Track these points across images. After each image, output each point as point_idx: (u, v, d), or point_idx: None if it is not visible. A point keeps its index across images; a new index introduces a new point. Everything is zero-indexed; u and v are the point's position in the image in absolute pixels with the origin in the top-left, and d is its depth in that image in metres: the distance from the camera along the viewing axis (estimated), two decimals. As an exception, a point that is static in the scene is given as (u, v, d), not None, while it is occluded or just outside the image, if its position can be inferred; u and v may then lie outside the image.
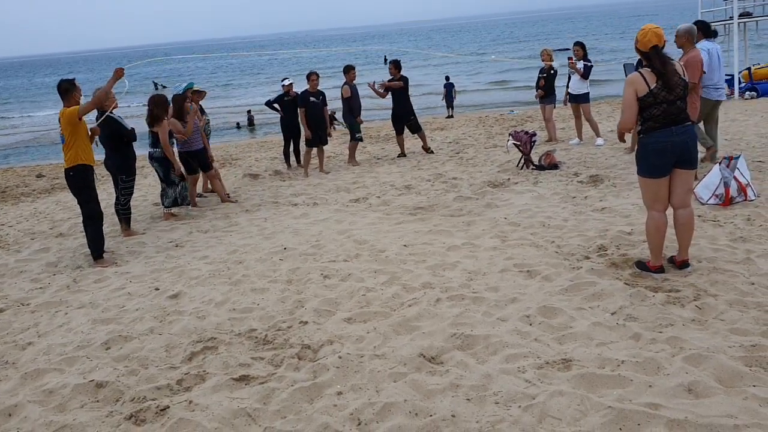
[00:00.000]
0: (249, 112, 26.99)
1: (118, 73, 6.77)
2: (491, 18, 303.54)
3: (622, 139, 5.33)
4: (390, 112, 12.29)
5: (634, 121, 4.75)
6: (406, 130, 12.19)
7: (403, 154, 12.35)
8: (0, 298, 5.95)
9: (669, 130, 4.69)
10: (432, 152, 12.23)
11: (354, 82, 11.64)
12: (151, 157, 8.40)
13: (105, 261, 6.82)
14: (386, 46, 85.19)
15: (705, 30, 8.32)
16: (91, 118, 7.12)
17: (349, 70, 11.55)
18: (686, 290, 4.61)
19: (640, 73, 4.71)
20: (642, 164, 4.87)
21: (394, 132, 12.56)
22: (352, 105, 11.61)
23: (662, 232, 4.92)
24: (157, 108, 8.25)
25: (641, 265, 5.07)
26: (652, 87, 4.63)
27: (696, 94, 7.25)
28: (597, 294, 4.70)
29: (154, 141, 8.32)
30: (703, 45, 8.08)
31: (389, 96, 12.00)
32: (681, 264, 5.01)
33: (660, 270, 4.95)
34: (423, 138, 12.36)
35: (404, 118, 12.05)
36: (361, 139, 11.95)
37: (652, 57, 4.70)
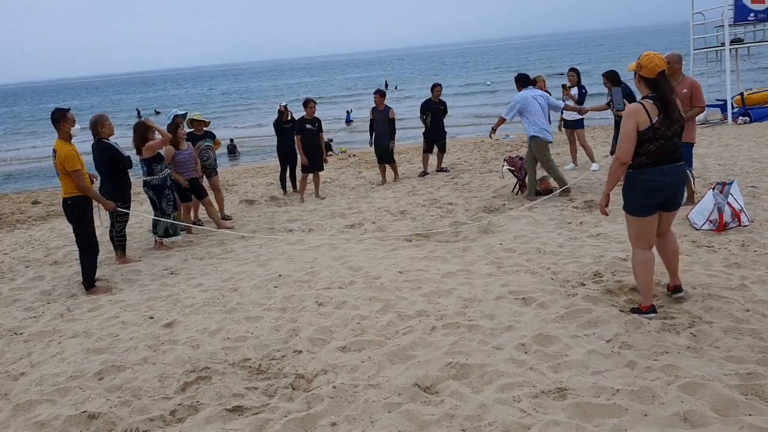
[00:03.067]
0: (231, 140, 26.98)
1: (109, 206, 7.27)
2: (485, 45, 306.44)
3: (605, 204, 4.81)
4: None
5: (632, 153, 4.45)
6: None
7: (425, 173, 12.89)
8: (-7, 328, 5.92)
9: (660, 168, 4.46)
10: (447, 170, 13.00)
11: (382, 106, 12.18)
12: (148, 185, 8.40)
13: (97, 289, 6.80)
14: (388, 72, 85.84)
15: (525, 81, 9.55)
16: (86, 149, 7.13)
17: (374, 94, 12.36)
18: (681, 317, 4.60)
19: (642, 104, 4.44)
20: (628, 201, 4.65)
21: (424, 148, 13.02)
22: (373, 128, 12.28)
23: (650, 269, 4.68)
24: (135, 135, 8.35)
25: (636, 310, 4.76)
26: (653, 121, 4.38)
27: (692, 119, 7.37)
28: (592, 321, 4.70)
29: (150, 170, 8.33)
30: (530, 92, 9.32)
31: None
32: (673, 289, 4.88)
33: (651, 310, 4.67)
34: (441, 158, 13.19)
35: (439, 137, 12.81)
36: (379, 161, 12.49)
37: (660, 83, 4.43)
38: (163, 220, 8.33)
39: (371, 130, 12.36)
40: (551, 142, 9.37)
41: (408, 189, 11.37)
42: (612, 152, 9.39)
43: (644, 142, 4.41)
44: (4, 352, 5.27)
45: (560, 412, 3.52)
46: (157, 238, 8.54)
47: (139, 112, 53.61)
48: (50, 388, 4.45)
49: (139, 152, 8.32)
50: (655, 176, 4.46)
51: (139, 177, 8.73)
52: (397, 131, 12.52)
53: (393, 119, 12.21)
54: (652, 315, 4.66)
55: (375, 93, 12.37)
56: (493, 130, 9.94)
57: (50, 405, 4.21)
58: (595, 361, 4.09)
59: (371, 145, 12.57)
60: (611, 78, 9.58)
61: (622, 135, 4.47)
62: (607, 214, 4.85)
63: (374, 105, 12.25)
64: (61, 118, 6.75)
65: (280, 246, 8.00)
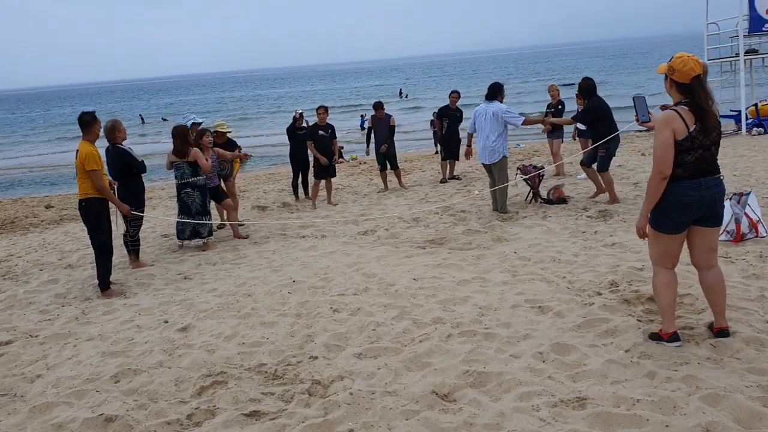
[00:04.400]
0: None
1: (125, 209, 7.30)
2: (495, 53, 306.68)
3: (644, 226, 4.26)
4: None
5: (672, 164, 4.02)
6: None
7: (444, 180, 12.93)
8: (9, 330, 5.93)
9: (698, 182, 4.06)
10: (459, 178, 13.04)
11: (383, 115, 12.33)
12: (194, 186, 8.48)
13: (112, 292, 6.83)
14: (401, 82, 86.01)
15: (490, 92, 9.35)
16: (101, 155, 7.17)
17: (375, 106, 12.47)
18: (701, 328, 4.55)
19: (676, 111, 4.04)
20: (657, 216, 4.18)
21: (441, 156, 13.26)
22: (370, 137, 12.55)
23: (673, 290, 4.32)
24: (176, 139, 8.44)
25: (655, 337, 4.40)
26: (691, 129, 3.98)
27: None
28: (610, 331, 4.66)
29: (193, 170, 8.41)
30: (484, 107, 9.21)
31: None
32: (719, 332, 4.35)
33: (675, 338, 4.28)
34: (453, 165, 13.21)
35: (453, 144, 12.92)
36: (381, 169, 12.61)
37: (694, 89, 4.01)
38: (188, 221, 8.42)
39: (368, 139, 12.63)
40: (481, 162, 9.52)
41: (420, 196, 11.36)
42: (582, 163, 9.47)
43: (681, 152, 4.02)
44: (20, 354, 5.29)
45: (580, 422, 3.49)
46: (206, 240, 8.67)
47: (142, 119, 54.04)
48: (67, 390, 4.46)
49: (181, 155, 8.41)
50: (693, 191, 4.06)
51: (152, 181, 8.77)
52: (407, 140, 12.58)
53: (393, 126, 12.36)
54: (677, 344, 4.27)
55: (375, 105, 12.48)
56: (468, 145, 10.27)
57: (67, 407, 4.21)
58: (614, 370, 4.06)
59: (367, 154, 12.90)
60: (584, 89, 9.42)
61: (658, 146, 4.06)
62: (646, 236, 4.31)
63: (375, 113, 12.37)
64: (93, 121, 6.95)
65: (294, 252, 8.00)
